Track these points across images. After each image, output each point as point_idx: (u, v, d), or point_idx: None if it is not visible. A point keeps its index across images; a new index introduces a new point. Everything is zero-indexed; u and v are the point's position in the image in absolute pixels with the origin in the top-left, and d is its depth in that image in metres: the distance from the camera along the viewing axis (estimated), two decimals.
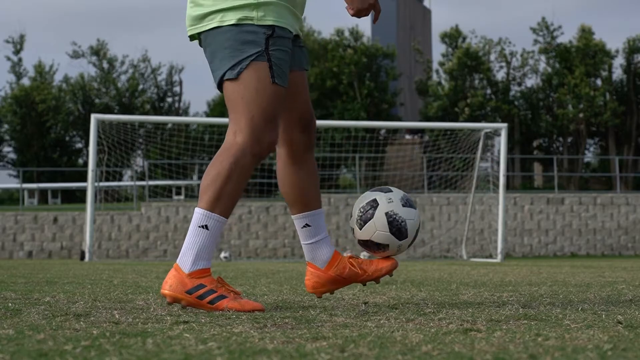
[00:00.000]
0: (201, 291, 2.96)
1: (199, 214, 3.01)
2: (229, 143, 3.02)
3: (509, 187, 32.94)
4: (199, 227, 2.99)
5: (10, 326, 2.29)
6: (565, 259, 20.22)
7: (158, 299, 3.46)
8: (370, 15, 3.18)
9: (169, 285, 2.99)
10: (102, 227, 20.71)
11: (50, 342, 1.93)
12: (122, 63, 49.07)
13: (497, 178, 18.68)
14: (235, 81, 3.02)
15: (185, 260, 2.99)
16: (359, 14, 3.07)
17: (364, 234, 3.23)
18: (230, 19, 3.02)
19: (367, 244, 3.26)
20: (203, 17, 3.07)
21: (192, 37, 3.16)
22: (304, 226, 3.29)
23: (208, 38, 3.08)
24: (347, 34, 45.73)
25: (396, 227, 3.20)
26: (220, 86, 3.09)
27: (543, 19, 45.43)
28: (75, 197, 37.76)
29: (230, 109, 3.06)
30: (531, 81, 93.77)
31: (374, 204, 3.23)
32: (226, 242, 21.22)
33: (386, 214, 3.20)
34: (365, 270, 3.30)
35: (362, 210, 3.25)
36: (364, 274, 3.29)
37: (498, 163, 21.39)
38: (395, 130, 37.64)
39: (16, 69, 48.91)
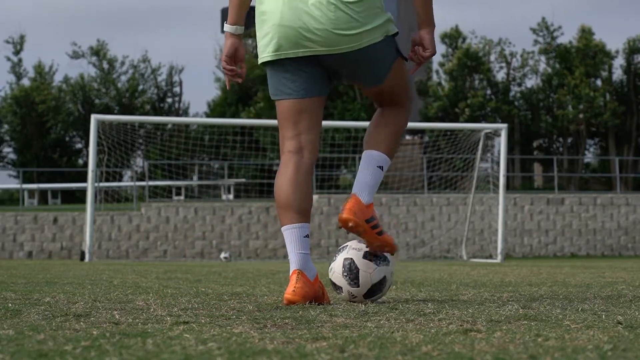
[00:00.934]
0: (374, 222, 3.35)
1: (379, 156, 3.46)
2: (399, 109, 3.56)
3: (509, 187, 32.90)
4: (378, 167, 3.44)
5: (10, 326, 2.29)
6: (565, 259, 20.22)
7: (158, 299, 3.45)
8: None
9: (354, 212, 3.32)
10: (102, 227, 20.71)
11: (50, 342, 1.94)
12: (122, 63, 49.03)
13: (497, 178, 18.69)
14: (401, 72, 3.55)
15: (365, 192, 3.38)
16: (430, 57, 3.44)
17: (330, 272, 3.48)
18: (393, 29, 3.46)
19: (332, 283, 3.47)
20: (373, 29, 3.36)
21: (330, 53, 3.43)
22: (306, 236, 3.33)
23: (379, 45, 3.38)
24: None
25: (349, 274, 3.39)
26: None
27: (543, 19, 45.39)
28: (75, 198, 37.71)
29: (397, 91, 3.54)
30: (531, 82, 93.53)
31: (341, 249, 3.49)
32: (226, 243, 21.22)
33: (344, 259, 3.42)
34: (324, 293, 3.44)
35: (336, 254, 3.52)
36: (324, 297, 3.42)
37: (498, 163, 21.38)
38: None
39: (16, 70, 48.88)
